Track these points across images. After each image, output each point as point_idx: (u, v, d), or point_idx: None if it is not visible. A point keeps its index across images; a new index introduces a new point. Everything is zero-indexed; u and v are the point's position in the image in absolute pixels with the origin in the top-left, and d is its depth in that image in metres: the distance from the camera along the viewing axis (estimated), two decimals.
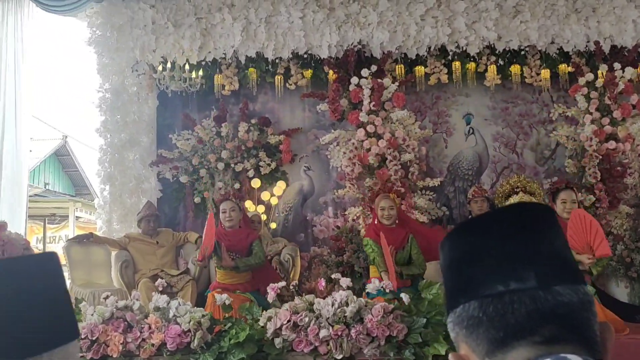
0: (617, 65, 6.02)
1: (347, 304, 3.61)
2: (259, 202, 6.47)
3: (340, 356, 3.49)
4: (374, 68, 6.11)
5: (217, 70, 6.57)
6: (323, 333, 3.54)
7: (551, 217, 0.78)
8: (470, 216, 6.06)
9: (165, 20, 6.44)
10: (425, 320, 3.60)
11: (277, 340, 3.61)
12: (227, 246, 4.87)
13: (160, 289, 4.34)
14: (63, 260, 5.42)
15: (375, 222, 4.97)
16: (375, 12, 6.31)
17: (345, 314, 3.57)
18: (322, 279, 4.44)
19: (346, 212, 6.21)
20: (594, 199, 5.79)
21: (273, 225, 6.46)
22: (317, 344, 3.56)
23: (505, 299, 0.72)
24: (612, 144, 5.91)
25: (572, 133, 6.18)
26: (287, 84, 6.55)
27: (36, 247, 13.30)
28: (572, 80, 6.30)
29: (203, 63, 6.50)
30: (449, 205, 6.52)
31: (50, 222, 14.25)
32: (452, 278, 0.80)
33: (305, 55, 6.45)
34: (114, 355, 3.65)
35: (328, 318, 3.59)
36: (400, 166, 5.87)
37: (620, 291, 5.38)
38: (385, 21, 6.32)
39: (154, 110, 6.68)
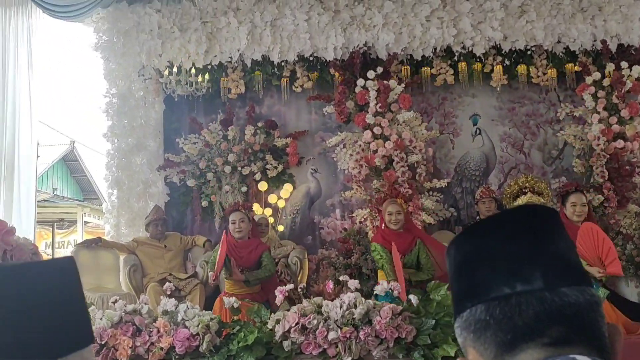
0: (624, 64, 5.99)
1: (355, 306, 3.60)
2: (266, 205, 6.47)
3: (349, 358, 3.49)
4: (379, 70, 6.10)
5: (223, 73, 6.59)
6: (332, 335, 3.53)
7: (555, 219, 0.78)
8: (478, 217, 6.04)
9: (171, 25, 6.45)
10: (434, 321, 3.58)
11: (286, 343, 3.60)
12: (237, 259, 4.87)
13: (169, 292, 4.35)
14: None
15: (383, 227, 4.97)
16: (380, 13, 6.30)
17: (354, 316, 3.56)
18: (330, 281, 4.42)
19: (353, 214, 6.21)
20: (603, 198, 5.76)
21: (280, 228, 6.46)
22: (325, 347, 3.55)
23: (512, 301, 0.72)
24: (620, 143, 5.88)
25: (579, 132, 6.15)
26: (293, 87, 6.56)
27: (45, 253, 13.36)
28: (579, 80, 6.27)
29: (209, 67, 6.52)
30: (456, 207, 6.50)
31: (58, 227, 14.32)
32: (459, 282, 0.80)
33: (311, 58, 6.45)
34: (123, 359, 3.66)
35: (336, 320, 3.58)
36: (407, 168, 5.86)
37: (630, 291, 5.33)
38: (390, 23, 6.31)
39: (160, 115, 6.70)
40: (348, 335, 3.51)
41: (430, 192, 6.19)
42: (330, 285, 4.19)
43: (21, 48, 6.64)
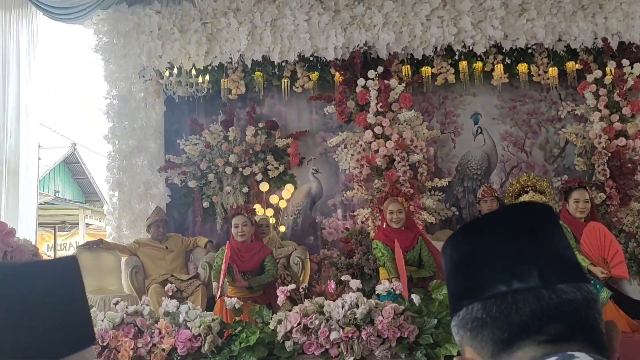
0: (625, 62, 5.98)
1: (357, 306, 3.60)
2: (268, 205, 6.46)
3: (352, 358, 3.48)
4: (380, 69, 6.09)
5: (224, 74, 6.58)
6: (334, 335, 3.52)
7: (551, 216, 0.77)
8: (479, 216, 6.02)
9: (171, 26, 6.45)
10: (436, 321, 3.58)
11: (288, 343, 3.60)
12: (239, 262, 4.87)
13: (170, 293, 4.35)
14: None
15: (384, 226, 4.98)
16: (380, 13, 6.29)
17: (356, 316, 3.55)
18: (332, 281, 4.42)
19: (355, 214, 6.20)
20: (605, 196, 5.75)
21: (282, 229, 6.46)
22: (327, 347, 3.54)
23: (508, 299, 0.71)
24: (621, 141, 5.86)
25: (581, 130, 6.14)
26: (293, 87, 6.55)
27: (47, 255, 13.37)
28: (580, 78, 6.26)
29: (209, 68, 6.51)
30: (458, 206, 6.49)
31: (60, 230, 14.33)
32: (455, 281, 0.79)
33: (312, 58, 6.44)
34: None
35: (338, 320, 3.57)
36: (408, 167, 5.85)
37: (633, 289, 5.32)
38: (390, 22, 6.31)
39: (161, 116, 6.70)
40: (350, 335, 3.51)
41: (432, 192, 6.18)
42: (332, 285, 4.19)
43: (22, 51, 6.65)
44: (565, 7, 6.24)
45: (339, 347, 3.53)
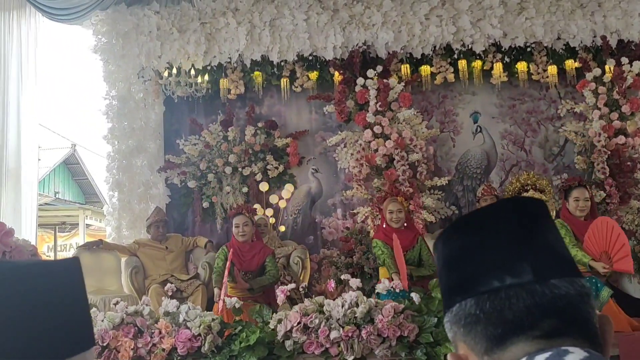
0: (624, 60, 5.98)
1: (357, 305, 3.60)
2: (268, 205, 6.46)
3: (352, 357, 3.48)
4: (379, 68, 6.09)
5: (223, 74, 6.58)
6: (334, 334, 3.52)
7: (543, 211, 0.77)
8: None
9: (170, 26, 6.45)
10: (436, 319, 3.58)
11: (288, 343, 3.60)
12: (240, 262, 4.87)
13: (170, 293, 4.35)
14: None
15: (384, 226, 4.99)
16: (379, 12, 6.29)
17: (356, 315, 3.55)
18: (332, 280, 4.43)
19: (355, 212, 6.19)
20: (604, 194, 5.75)
21: (282, 228, 6.46)
22: (327, 346, 3.54)
23: (501, 294, 0.71)
24: (621, 139, 5.86)
25: (580, 129, 6.13)
26: (293, 87, 6.55)
27: (46, 255, 13.37)
28: (580, 76, 6.25)
29: (208, 68, 6.51)
30: (457, 205, 6.49)
31: (60, 231, 14.33)
32: (447, 277, 0.78)
33: (311, 57, 6.44)
34: None
35: (338, 319, 3.58)
36: (408, 166, 5.85)
37: (633, 287, 5.32)
38: (389, 21, 6.31)
39: (160, 116, 6.69)
40: (350, 334, 3.51)
41: (432, 191, 6.18)
42: (332, 284, 4.19)
43: (21, 52, 6.64)
44: (564, 6, 6.23)
45: (339, 346, 3.53)
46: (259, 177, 6.44)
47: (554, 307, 0.70)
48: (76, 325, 0.93)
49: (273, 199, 6.46)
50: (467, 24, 6.26)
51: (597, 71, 6.04)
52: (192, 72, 6.23)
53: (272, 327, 3.71)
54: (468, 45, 6.31)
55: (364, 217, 6.04)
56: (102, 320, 3.75)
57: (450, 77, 6.43)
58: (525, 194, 5.71)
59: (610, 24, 6.20)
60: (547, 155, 6.55)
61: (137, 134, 6.49)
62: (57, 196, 14.96)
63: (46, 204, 13.20)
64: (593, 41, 6.25)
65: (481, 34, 6.27)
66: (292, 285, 4.07)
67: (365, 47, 6.32)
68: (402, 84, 6.10)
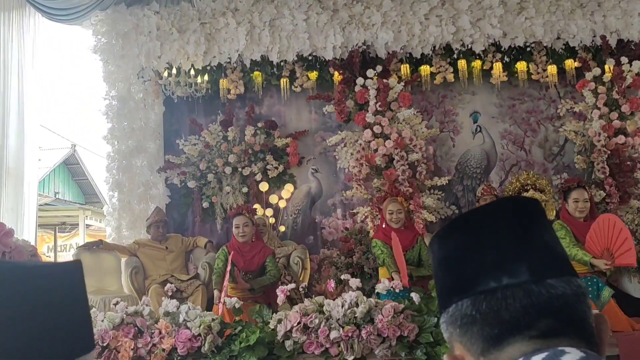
0: (624, 59, 5.98)
1: (357, 305, 3.60)
2: (267, 205, 6.46)
3: (352, 357, 3.48)
4: (379, 68, 6.09)
5: (223, 74, 6.58)
6: (334, 334, 3.52)
7: (539, 210, 0.77)
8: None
9: (170, 26, 6.45)
10: (436, 319, 3.58)
11: (288, 343, 3.60)
12: (241, 263, 4.87)
13: (170, 294, 4.34)
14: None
15: (384, 226, 4.99)
16: (379, 12, 6.30)
17: (356, 315, 3.55)
18: (332, 280, 4.43)
19: (355, 211, 6.19)
20: (604, 194, 5.75)
21: (282, 229, 6.46)
22: (327, 346, 3.54)
23: (498, 294, 0.71)
24: (621, 139, 5.86)
25: (580, 128, 6.13)
26: (292, 87, 6.55)
27: (47, 256, 13.37)
28: (579, 76, 6.25)
29: (208, 68, 6.51)
30: (457, 204, 6.49)
31: (60, 231, 14.32)
32: (443, 277, 0.78)
33: (310, 57, 6.44)
34: None
35: (338, 319, 3.58)
36: (407, 166, 5.85)
37: (633, 287, 5.32)
38: (389, 21, 6.31)
39: (160, 116, 6.69)
40: (350, 334, 3.51)
41: (431, 190, 6.18)
42: (332, 284, 4.19)
43: (21, 52, 6.64)
44: (563, 5, 6.24)
45: (339, 346, 3.53)
46: (258, 177, 6.44)
47: (551, 307, 0.70)
48: (76, 327, 0.93)
49: (273, 199, 6.46)
50: (466, 24, 6.26)
51: (596, 71, 6.04)
52: (192, 72, 6.23)
53: (272, 327, 3.71)
54: (468, 45, 6.31)
55: (363, 217, 6.04)
56: (102, 321, 3.75)
57: (450, 77, 6.43)
58: (525, 194, 5.71)
59: (609, 24, 6.20)
60: (547, 155, 6.54)
61: (137, 134, 6.49)
62: (57, 196, 14.94)
63: (46, 204, 13.20)
64: (593, 41, 6.25)
65: (481, 33, 6.27)
66: (292, 286, 4.07)
67: (365, 47, 6.32)
68: (402, 83, 6.10)
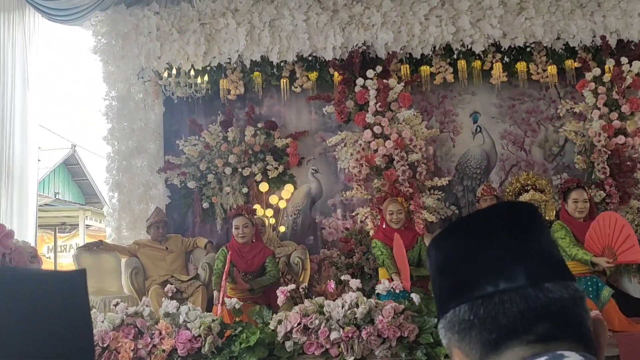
0: (624, 60, 5.97)
1: (357, 306, 3.60)
2: (267, 206, 6.46)
3: (352, 358, 3.48)
4: (379, 69, 6.09)
5: (223, 75, 6.58)
6: (334, 335, 3.52)
7: (535, 215, 0.77)
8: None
9: (170, 27, 6.45)
10: (436, 320, 3.57)
11: (288, 344, 3.60)
12: (240, 263, 4.87)
13: (170, 294, 4.35)
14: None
15: (384, 226, 4.99)
16: (379, 12, 6.29)
17: (356, 316, 3.55)
18: (332, 281, 4.42)
19: (355, 213, 6.19)
20: (604, 194, 5.74)
21: (282, 229, 6.45)
22: (328, 347, 3.54)
23: (495, 299, 0.71)
24: (621, 139, 5.86)
25: (580, 129, 6.13)
26: (292, 87, 6.55)
27: (46, 256, 13.37)
28: (579, 76, 6.25)
29: (208, 68, 6.51)
30: (458, 205, 6.49)
31: (60, 231, 14.31)
32: (441, 283, 0.78)
33: (310, 58, 6.44)
34: None
35: (338, 320, 3.58)
36: (407, 166, 5.85)
37: (633, 287, 5.32)
38: (389, 21, 6.30)
39: (160, 117, 6.69)
40: (350, 335, 3.51)
41: (432, 191, 6.17)
42: (332, 285, 4.19)
43: (21, 52, 6.64)
44: (563, 6, 6.23)
45: (339, 346, 3.53)
46: (258, 177, 6.44)
47: (548, 311, 0.70)
48: (76, 339, 0.93)
49: (273, 199, 6.46)
50: (466, 24, 6.25)
51: (596, 71, 6.03)
52: (192, 72, 6.23)
53: (272, 327, 3.71)
54: (468, 46, 6.31)
55: (363, 217, 6.04)
56: (102, 321, 3.75)
57: (450, 77, 6.43)
58: (525, 194, 5.72)
59: (609, 24, 6.20)
60: (547, 155, 6.54)
61: (137, 135, 6.49)
62: (57, 197, 14.95)
63: (46, 204, 13.20)
64: (592, 41, 6.25)
65: (481, 34, 6.27)
66: (293, 286, 4.07)
67: (364, 47, 6.32)
68: (402, 84, 6.10)
